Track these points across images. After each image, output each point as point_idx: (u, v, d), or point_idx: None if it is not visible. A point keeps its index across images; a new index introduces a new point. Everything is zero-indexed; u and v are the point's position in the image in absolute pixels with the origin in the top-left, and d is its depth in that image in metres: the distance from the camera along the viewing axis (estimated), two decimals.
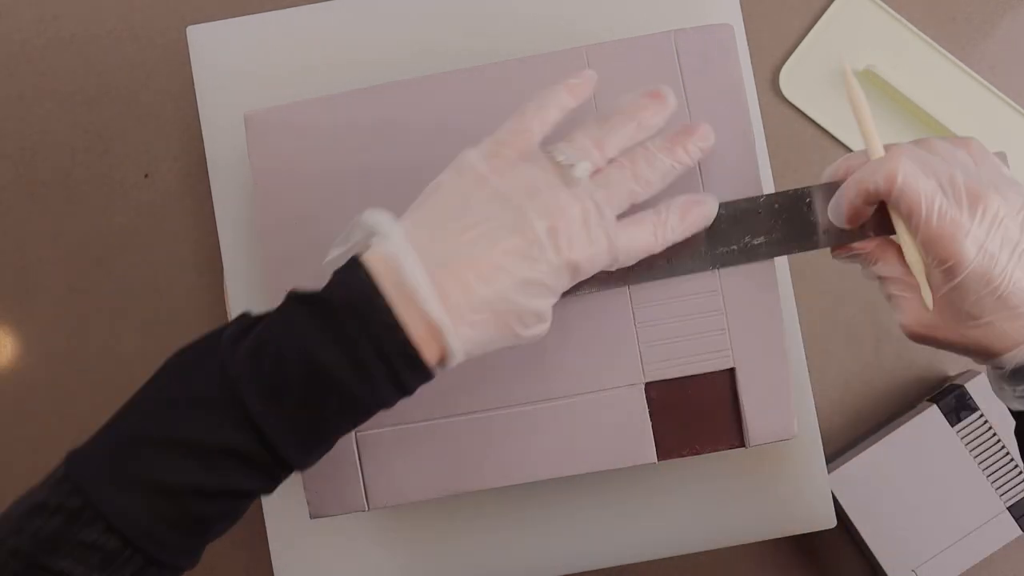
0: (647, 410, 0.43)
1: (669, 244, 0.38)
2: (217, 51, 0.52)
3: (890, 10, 0.60)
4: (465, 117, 0.44)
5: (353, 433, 0.43)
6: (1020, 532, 0.56)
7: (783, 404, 0.41)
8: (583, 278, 0.36)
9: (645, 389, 0.42)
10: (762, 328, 0.41)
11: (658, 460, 0.42)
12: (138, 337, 0.58)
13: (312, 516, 0.43)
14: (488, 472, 0.43)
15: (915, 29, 0.59)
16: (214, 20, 0.54)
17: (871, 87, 0.59)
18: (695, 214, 0.39)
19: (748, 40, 0.56)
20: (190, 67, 0.54)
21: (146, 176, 0.59)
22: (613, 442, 0.43)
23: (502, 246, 0.34)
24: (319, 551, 0.50)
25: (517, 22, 0.50)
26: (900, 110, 0.59)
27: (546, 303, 0.35)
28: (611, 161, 0.37)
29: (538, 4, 0.50)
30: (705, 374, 0.42)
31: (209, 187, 0.54)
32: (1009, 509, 0.57)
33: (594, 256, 0.36)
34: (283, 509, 0.49)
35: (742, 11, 0.54)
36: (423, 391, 0.39)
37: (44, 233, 0.59)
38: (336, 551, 0.50)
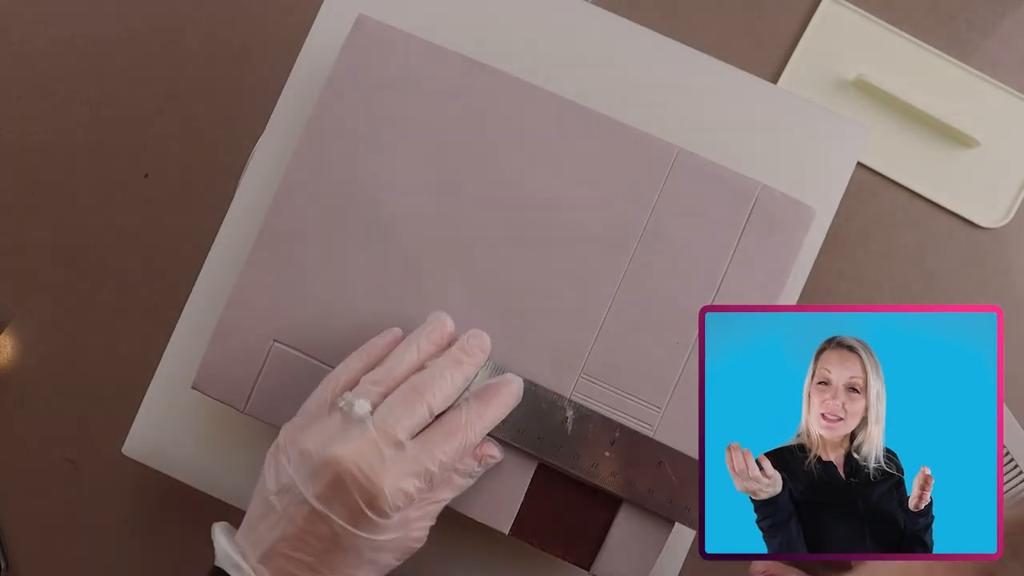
0: (527, 486, 0.43)
1: (485, 433, 0.40)
2: None
3: (872, 16, 0.59)
4: (541, 142, 0.44)
5: (272, 341, 0.43)
6: None
7: (646, 555, 0.42)
8: (408, 506, 0.38)
9: (536, 468, 0.43)
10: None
11: (508, 533, 0.43)
12: (138, 337, 0.58)
13: (193, 386, 0.44)
14: None
15: (901, 32, 0.59)
16: (214, 19, 0.54)
17: (865, 96, 0.59)
18: (499, 401, 0.41)
19: (745, 57, 0.56)
20: (190, 67, 0.54)
21: (146, 176, 0.59)
22: (486, 495, 0.43)
23: (299, 522, 0.37)
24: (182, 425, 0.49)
25: (642, 86, 0.49)
26: (897, 115, 0.59)
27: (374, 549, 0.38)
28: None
29: (667, 83, 0.48)
30: (597, 487, 0.42)
31: (208, 187, 0.54)
32: None
33: (399, 482, 0.37)
34: (171, 374, 0.49)
35: (742, 19, 0.54)
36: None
37: (44, 233, 0.59)
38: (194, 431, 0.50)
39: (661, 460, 0.42)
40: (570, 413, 0.42)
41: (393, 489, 0.37)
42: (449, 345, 0.41)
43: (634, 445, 0.42)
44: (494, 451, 0.41)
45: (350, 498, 0.36)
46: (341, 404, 0.38)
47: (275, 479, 0.39)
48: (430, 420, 0.39)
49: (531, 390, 0.42)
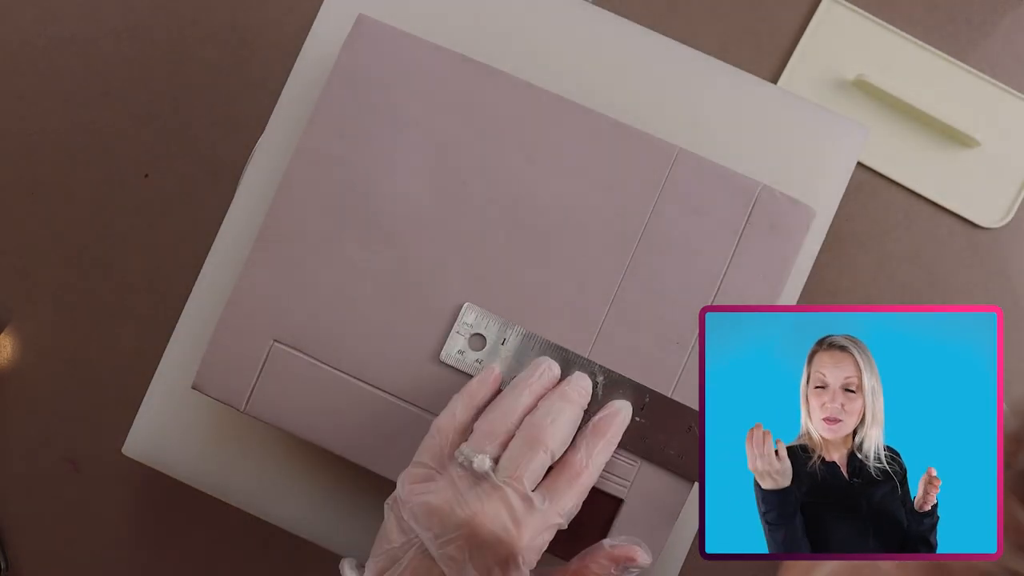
0: None
1: (601, 470, 0.39)
2: None
3: (872, 16, 0.60)
4: (541, 141, 0.44)
5: (272, 341, 0.43)
6: None
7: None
8: (538, 557, 0.37)
9: None
10: (667, 490, 0.42)
11: None
12: (138, 337, 0.58)
13: (193, 386, 0.44)
14: (366, 451, 0.43)
15: (901, 32, 0.59)
16: (214, 20, 0.54)
17: (865, 96, 0.59)
18: (613, 433, 0.40)
19: (745, 58, 0.56)
20: (190, 67, 0.54)
21: (146, 176, 0.59)
22: None
23: None
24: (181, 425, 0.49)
25: (642, 86, 0.49)
26: (898, 115, 0.59)
27: None
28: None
29: (667, 83, 0.49)
30: (597, 490, 0.42)
31: (209, 187, 0.54)
32: None
33: (534, 539, 0.37)
34: (171, 374, 0.49)
35: (742, 19, 0.54)
36: (364, 352, 0.42)
37: (44, 233, 0.59)
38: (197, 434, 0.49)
39: (691, 424, 0.42)
40: (600, 378, 0.42)
41: (528, 547, 0.36)
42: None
43: (664, 409, 0.42)
44: (637, 556, 0.40)
45: (484, 559, 0.36)
46: (460, 459, 0.38)
47: (398, 532, 0.38)
48: (550, 464, 0.38)
49: (561, 355, 0.42)
